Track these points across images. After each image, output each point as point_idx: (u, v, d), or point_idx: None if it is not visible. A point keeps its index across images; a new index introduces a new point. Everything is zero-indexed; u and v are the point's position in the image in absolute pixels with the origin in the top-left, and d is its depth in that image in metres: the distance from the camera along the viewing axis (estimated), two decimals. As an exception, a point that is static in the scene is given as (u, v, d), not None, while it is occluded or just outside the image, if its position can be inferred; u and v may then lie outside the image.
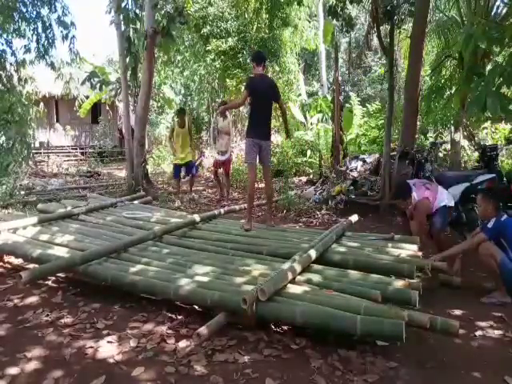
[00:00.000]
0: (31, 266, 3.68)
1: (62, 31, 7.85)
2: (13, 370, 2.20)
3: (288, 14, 12.22)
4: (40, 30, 7.70)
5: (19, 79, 8.07)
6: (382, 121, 10.87)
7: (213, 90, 14.79)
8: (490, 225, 3.32)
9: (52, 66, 8.29)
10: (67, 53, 8.24)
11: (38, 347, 2.43)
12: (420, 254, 3.63)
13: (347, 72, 19.10)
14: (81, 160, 15.31)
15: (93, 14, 55.12)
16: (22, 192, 7.31)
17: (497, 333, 2.76)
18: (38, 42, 7.77)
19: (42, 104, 12.60)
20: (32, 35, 7.72)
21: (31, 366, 2.26)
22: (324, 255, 3.55)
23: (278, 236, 4.29)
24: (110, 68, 16.32)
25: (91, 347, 2.43)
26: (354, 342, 2.50)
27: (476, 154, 7.86)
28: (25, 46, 7.76)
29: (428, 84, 9.42)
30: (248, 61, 11.89)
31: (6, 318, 2.82)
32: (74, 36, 8.02)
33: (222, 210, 5.50)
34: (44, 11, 7.74)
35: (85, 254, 3.41)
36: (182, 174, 8.05)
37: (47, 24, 7.75)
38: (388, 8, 6.56)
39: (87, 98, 15.87)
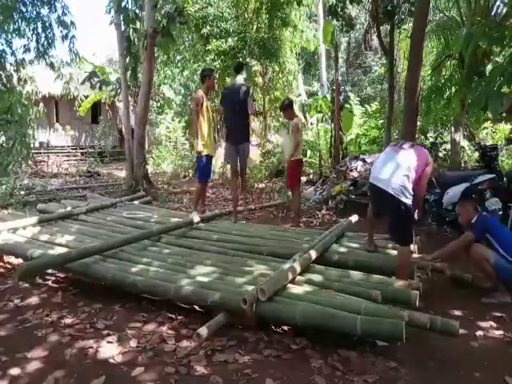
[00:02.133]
0: (28, 262, 3.67)
1: (61, 31, 7.86)
2: (13, 371, 2.20)
3: (288, 15, 12.22)
4: (40, 29, 7.70)
5: (19, 79, 8.07)
6: (382, 121, 10.88)
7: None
8: (473, 220, 3.37)
9: (51, 65, 8.30)
10: (67, 53, 8.25)
11: (38, 347, 2.43)
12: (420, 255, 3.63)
13: (347, 72, 19.12)
14: (81, 160, 15.30)
15: (93, 14, 55.14)
16: (22, 192, 7.31)
17: (497, 333, 2.75)
18: (37, 41, 7.77)
19: (41, 104, 12.60)
20: (32, 35, 7.72)
21: (31, 366, 2.25)
22: (324, 255, 3.56)
23: (278, 236, 4.29)
24: (110, 68, 16.31)
25: (91, 347, 2.43)
26: (354, 342, 2.50)
27: (476, 153, 7.87)
28: (24, 45, 7.77)
29: (428, 84, 9.43)
30: (247, 60, 11.91)
31: (6, 318, 2.82)
32: (73, 36, 8.03)
33: (222, 211, 5.50)
34: (44, 11, 7.75)
35: (79, 249, 3.40)
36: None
37: (47, 24, 7.75)
38: (388, 8, 6.57)
39: (86, 98, 15.87)
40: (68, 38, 7.92)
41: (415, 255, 3.63)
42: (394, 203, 3.08)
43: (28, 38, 7.75)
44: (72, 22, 7.92)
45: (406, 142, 3.45)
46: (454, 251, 3.48)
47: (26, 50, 7.78)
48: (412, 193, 3.13)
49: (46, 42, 7.79)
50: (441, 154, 8.90)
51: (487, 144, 7.40)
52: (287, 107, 5.29)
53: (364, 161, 8.08)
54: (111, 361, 2.31)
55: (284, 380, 2.16)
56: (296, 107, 12.95)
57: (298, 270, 3.01)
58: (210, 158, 5.20)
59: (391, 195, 3.07)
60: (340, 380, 2.18)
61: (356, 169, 7.85)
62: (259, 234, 4.35)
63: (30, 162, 8.70)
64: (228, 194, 8.64)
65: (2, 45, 7.73)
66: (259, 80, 12.26)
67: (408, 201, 3.08)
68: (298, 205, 5.35)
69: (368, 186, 3.66)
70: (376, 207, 3.56)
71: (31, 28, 7.68)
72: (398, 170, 3.12)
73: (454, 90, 7.51)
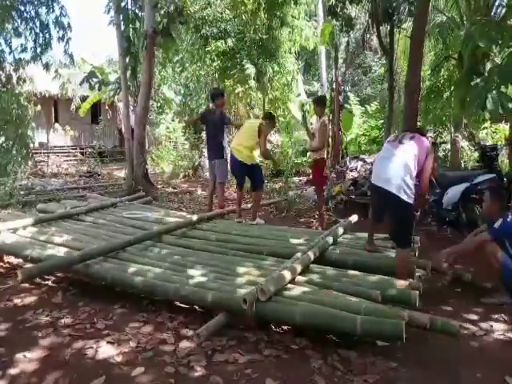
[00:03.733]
0: (33, 265, 3.67)
1: (58, 31, 7.82)
2: (13, 371, 2.20)
3: (285, 14, 12.21)
4: (37, 29, 7.67)
5: (18, 79, 8.05)
6: (382, 121, 10.89)
7: (211, 90, 14.76)
8: (496, 225, 3.28)
9: (47, 66, 8.25)
10: (63, 55, 8.22)
11: (37, 347, 2.43)
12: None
13: (345, 72, 19.10)
14: (80, 160, 15.30)
15: (93, 14, 55.13)
16: (22, 192, 7.31)
17: (497, 333, 2.76)
18: (35, 41, 7.74)
19: (40, 104, 12.59)
20: (29, 35, 7.68)
21: (31, 366, 2.25)
22: (324, 255, 3.56)
23: (278, 236, 4.29)
24: (109, 68, 16.31)
25: (91, 347, 2.43)
26: (354, 342, 2.50)
27: (476, 153, 7.87)
28: (21, 44, 7.73)
29: (427, 84, 9.43)
30: (244, 62, 11.94)
31: (6, 318, 2.81)
32: (70, 38, 7.99)
33: (221, 210, 5.50)
34: (42, 11, 7.73)
35: (83, 252, 3.40)
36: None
37: (44, 24, 7.71)
38: (388, 8, 6.57)
39: (85, 98, 15.86)
40: (64, 39, 7.89)
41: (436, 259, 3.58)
42: (395, 202, 3.06)
43: (25, 37, 7.72)
44: (69, 24, 7.89)
45: (406, 134, 3.37)
46: (467, 249, 3.47)
47: (23, 49, 7.74)
48: (414, 191, 3.10)
49: (43, 42, 7.75)
50: (441, 154, 8.90)
51: (487, 144, 7.40)
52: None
53: (364, 161, 8.09)
54: (111, 361, 2.30)
55: (284, 380, 2.16)
56: (295, 106, 12.97)
57: (298, 269, 3.00)
58: None
59: (393, 194, 3.04)
60: (340, 380, 2.17)
61: (356, 169, 7.85)
62: (259, 234, 4.35)
63: (29, 163, 8.69)
64: (227, 194, 8.65)
65: (1, 45, 7.71)
66: (252, 83, 12.24)
67: (410, 200, 3.05)
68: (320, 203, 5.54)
69: (368, 185, 3.64)
70: (377, 207, 3.53)
71: (29, 27, 7.65)
72: (398, 168, 3.09)
73: (453, 89, 7.52)
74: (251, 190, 5.55)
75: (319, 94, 16.40)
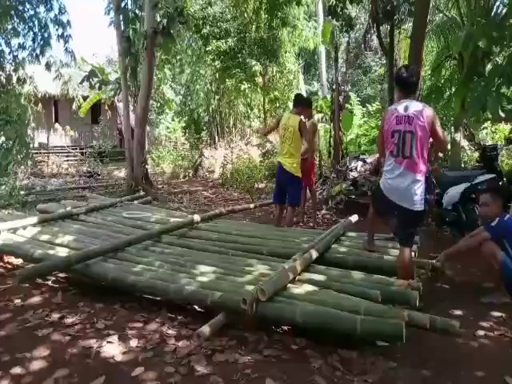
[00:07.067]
0: (30, 266, 3.67)
1: (57, 29, 7.82)
2: (13, 371, 2.19)
3: (287, 15, 12.23)
4: (36, 28, 7.66)
5: (18, 79, 8.04)
6: (382, 121, 10.85)
7: (211, 90, 14.79)
8: (493, 223, 3.30)
9: (47, 66, 8.24)
10: (64, 53, 8.21)
11: (38, 347, 2.42)
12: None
13: (346, 72, 19.11)
14: (80, 160, 15.30)
15: (93, 14, 55.16)
16: (22, 192, 7.31)
17: (497, 333, 2.76)
18: (34, 40, 7.73)
19: (40, 104, 12.57)
20: (27, 33, 7.67)
21: (32, 366, 2.25)
22: (324, 255, 3.56)
23: (278, 236, 4.29)
24: (109, 68, 16.32)
25: (91, 347, 2.43)
26: (354, 342, 2.50)
27: (476, 153, 7.87)
28: (19, 43, 7.73)
29: (427, 84, 9.43)
30: (247, 61, 11.94)
31: (7, 318, 2.81)
32: (69, 35, 7.98)
33: (222, 210, 5.50)
34: (41, 9, 7.73)
35: (80, 253, 3.40)
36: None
37: (43, 23, 7.70)
38: (388, 8, 6.57)
39: (86, 98, 15.85)
40: (64, 37, 7.88)
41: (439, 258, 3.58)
42: (407, 212, 3.08)
43: (24, 36, 7.72)
44: (68, 22, 7.88)
45: (404, 130, 3.03)
46: (466, 248, 3.45)
47: (21, 47, 7.73)
48: (424, 194, 3.08)
49: (42, 42, 7.74)
50: (441, 154, 8.89)
51: (487, 144, 7.40)
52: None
53: (364, 161, 8.07)
54: (111, 361, 2.30)
55: (284, 380, 2.15)
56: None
57: (298, 269, 3.01)
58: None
59: (406, 208, 3.05)
60: (340, 380, 2.17)
61: (356, 169, 7.84)
62: (259, 234, 4.35)
63: (29, 163, 8.70)
64: (228, 194, 8.66)
65: (1, 45, 7.70)
66: (259, 80, 12.25)
67: (422, 207, 3.05)
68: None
69: (376, 186, 3.57)
70: (383, 207, 3.45)
71: (28, 27, 7.64)
72: (409, 186, 3.03)
73: (453, 89, 7.51)
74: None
75: (319, 94, 16.42)
